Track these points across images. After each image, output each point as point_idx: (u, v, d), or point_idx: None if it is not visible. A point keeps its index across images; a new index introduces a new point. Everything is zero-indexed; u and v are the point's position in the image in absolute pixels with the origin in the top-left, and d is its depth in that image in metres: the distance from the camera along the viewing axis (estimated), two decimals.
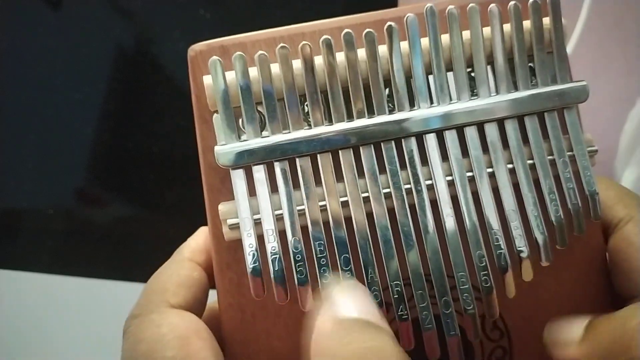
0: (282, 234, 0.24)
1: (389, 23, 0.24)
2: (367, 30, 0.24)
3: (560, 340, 0.23)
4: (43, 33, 0.55)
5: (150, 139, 0.54)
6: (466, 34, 0.24)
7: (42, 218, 0.55)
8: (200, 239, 0.28)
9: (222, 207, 0.24)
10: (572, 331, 0.23)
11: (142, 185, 0.55)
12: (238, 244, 0.25)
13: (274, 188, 0.24)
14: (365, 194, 0.24)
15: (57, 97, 0.55)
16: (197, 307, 0.26)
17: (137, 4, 0.54)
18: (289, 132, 0.24)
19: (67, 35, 0.54)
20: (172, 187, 0.55)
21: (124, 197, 0.56)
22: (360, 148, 0.24)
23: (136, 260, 0.54)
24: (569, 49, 0.25)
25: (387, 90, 0.24)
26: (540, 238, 0.24)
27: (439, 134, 0.24)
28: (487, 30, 0.24)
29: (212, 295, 0.27)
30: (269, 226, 0.24)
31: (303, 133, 0.24)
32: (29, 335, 0.54)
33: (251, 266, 0.23)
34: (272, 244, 0.23)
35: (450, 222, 0.24)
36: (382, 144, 0.24)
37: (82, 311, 0.54)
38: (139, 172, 0.55)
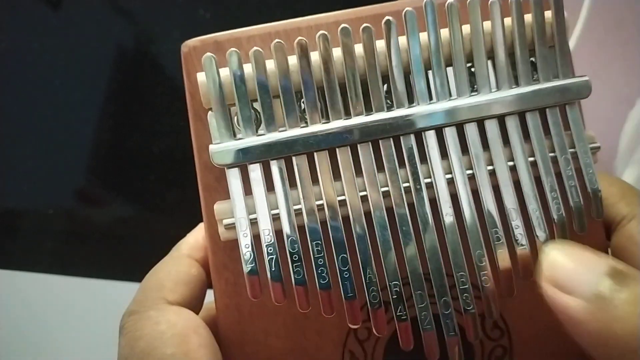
0: (278, 234, 0.23)
1: (386, 17, 0.23)
2: (365, 25, 0.23)
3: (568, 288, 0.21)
4: (43, 33, 0.55)
5: (150, 139, 0.54)
6: (466, 28, 0.24)
7: (42, 218, 0.55)
8: (199, 235, 0.27)
9: (218, 207, 0.24)
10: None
11: (142, 185, 0.55)
12: (234, 244, 0.24)
13: (270, 187, 0.23)
14: (363, 193, 0.24)
15: (57, 97, 0.55)
16: (194, 304, 0.26)
17: (137, 4, 0.54)
18: (285, 130, 0.23)
19: (67, 35, 0.54)
20: (172, 187, 0.55)
21: (124, 197, 0.56)
22: (359, 146, 0.24)
23: (136, 260, 0.54)
24: (569, 48, 0.24)
25: (385, 86, 0.24)
26: (541, 237, 0.24)
27: (439, 131, 0.24)
28: (487, 25, 0.24)
29: (209, 295, 0.27)
30: (265, 226, 0.23)
31: (299, 131, 0.23)
32: (29, 335, 0.54)
33: (248, 267, 0.23)
34: (268, 244, 0.23)
35: (449, 221, 0.23)
36: (380, 141, 0.24)
37: (82, 311, 0.54)
38: (139, 172, 0.54)
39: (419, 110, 0.24)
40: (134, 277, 0.53)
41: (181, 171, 0.54)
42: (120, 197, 0.56)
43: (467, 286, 0.23)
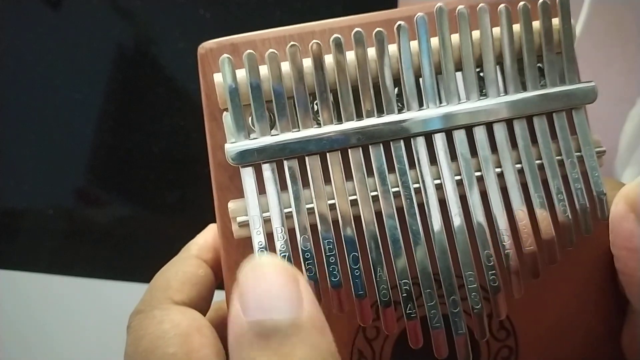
0: (291, 232, 0.24)
1: (399, 22, 0.24)
2: (378, 29, 0.24)
3: None
4: (43, 33, 0.55)
5: (150, 139, 0.54)
6: (475, 34, 0.25)
7: (42, 218, 0.55)
8: (208, 236, 0.28)
9: (232, 205, 0.24)
10: None
11: (142, 185, 0.55)
12: (247, 242, 0.25)
13: (283, 186, 0.24)
14: (374, 193, 0.24)
15: (57, 97, 0.55)
16: (201, 304, 0.26)
17: (137, 4, 0.54)
18: (299, 131, 0.24)
19: (67, 35, 0.54)
20: (172, 187, 0.55)
21: (124, 197, 0.56)
22: (370, 147, 0.24)
23: (136, 260, 0.54)
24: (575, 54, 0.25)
25: (396, 89, 0.25)
26: (547, 238, 0.24)
27: (448, 134, 0.24)
28: (496, 31, 0.25)
29: (221, 295, 0.27)
30: (278, 224, 0.24)
31: (312, 132, 0.24)
32: (29, 335, 0.54)
33: None
34: (281, 242, 0.23)
35: (458, 222, 0.24)
36: (391, 143, 0.24)
37: (82, 311, 0.54)
38: (139, 172, 0.55)
39: (429, 112, 0.24)
40: (133, 277, 0.54)
41: (181, 171, 0.54)
42: (120, 197, 0.56)
43: (475, 285, 0.24)
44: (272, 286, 0.19)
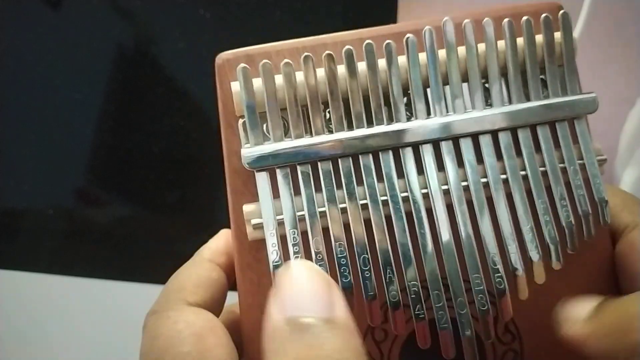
0: (303, 235, 0.25)
1: (408, 35, 0.25)
2: (387, 41, 0.25)
3: (569, 317, 0.23)
4: (43, 33, 0.55)
5: (150, 139, 0.54)
6: (480, 47, 0.26)
7: (42, 218, 0.55)
8: (221, 240, 0.28)
9: (247, 208, 0.25)
10: (581, 309, 0.23)
11: (142, 185, 0.55)
12: (259, 244, 0.25)
13: (296, 190, 0.25)
14: (384, 198, 0.25)
15: (57, 97, 0.55)
16: (214, 306, 0.27)
17: (137, 4, 0.54)
18: (311, 137, 0.25)
19: (67, 35, 0.54)
20: (172, 187, 0.55)
21: (124, 197, 0.56)
22: (380, 153, 0.25)
23: (136, 260, 0.54)
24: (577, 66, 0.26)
25: (405, 98, 0.25)
26: (551, 242, 0.25)
27: (454, 142, 0.25)
28: (500, 44, 0.26)
29: (234, 298, 0.28)
30: (291, 227, 0.24)
31: (324, 138, 0.25)
32: (29, 335, 0.54)
33: (274, 264, 0.24)
34: (294, 243, 0.24)
35: (465, 226, 0.25)
36: (400, 149, 0.25)
37: (82, 311, 0.54)
38: (139, 172, 0.55)
39: (437, 121, 0.25)
40: (133, 277, 0.54)
41: (181, 171, 0.55)
42: (120, 197, 0.56)
43: (481, 288, 0.25)
44: (308, 287, 0.21)
